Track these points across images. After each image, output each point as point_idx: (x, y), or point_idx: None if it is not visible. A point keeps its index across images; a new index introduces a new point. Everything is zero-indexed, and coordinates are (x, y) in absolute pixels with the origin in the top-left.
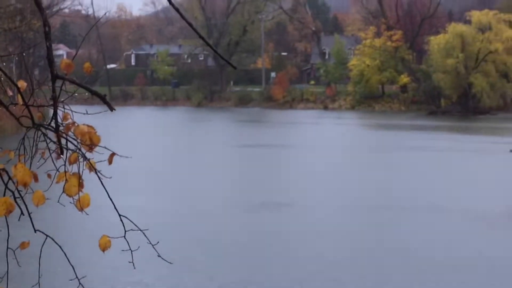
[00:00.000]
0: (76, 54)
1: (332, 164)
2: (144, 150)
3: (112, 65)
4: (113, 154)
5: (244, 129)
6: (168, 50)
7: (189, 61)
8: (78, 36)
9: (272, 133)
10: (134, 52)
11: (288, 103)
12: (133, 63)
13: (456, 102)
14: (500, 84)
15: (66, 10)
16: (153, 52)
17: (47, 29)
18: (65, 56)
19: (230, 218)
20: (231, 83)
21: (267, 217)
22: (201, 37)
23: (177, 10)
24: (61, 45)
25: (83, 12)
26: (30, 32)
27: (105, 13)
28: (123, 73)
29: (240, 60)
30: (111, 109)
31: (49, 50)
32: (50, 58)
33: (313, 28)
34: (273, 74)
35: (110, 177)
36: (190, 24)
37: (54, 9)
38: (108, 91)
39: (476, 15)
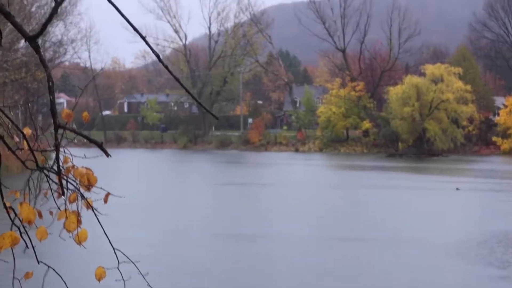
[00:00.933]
0: (76, 104)
1: (302, 200)
2: (136, 187)
3: (107, 112)
4: (108, 194)
5: (224, 169)
6: (157, 98)
7: (176, 108)
8: (77, 87)
9: (249, 172)
10: (126, 100)
11: (263, 146)
12: (125, 110)
13: (412, 145)
14: (451, 129)
15: (67, 63)
16: (143, 100)
17: (50, 84)
18: (65, 104)
19: (212, 249)
20: (213, 128)
21: (246, 248)
22: (186, 90)
23: (165, 67)
24: (62, 94)
25: (82, 64)
26: (34, 82)
27: (102, 69)
28: (117, 119)
29: (221, 108)
30: (107, 155)
31: (52, 103)
32: (53, 110)
33: (286, 80)
34: (250, 120)
35: (106, 214)
36: (176, 79)
37: (56, 62)
38: (104, 135)
39: (430, 68)
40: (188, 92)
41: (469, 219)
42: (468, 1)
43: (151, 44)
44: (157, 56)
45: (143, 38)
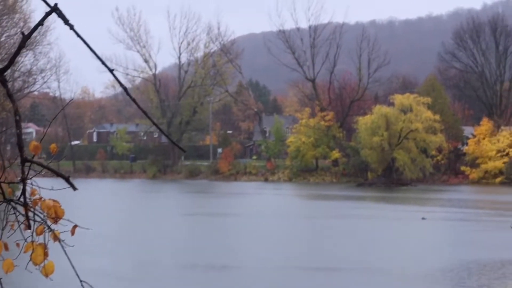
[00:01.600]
0: (44, 135)
1: (271, 230)
2: (104, 218)
3: (76, 142)
4: (75, 226)
5: (194, 199)
6: (126, 128)
7: (145, 138)
8: (46, 117)
9: (218, 202)
10: (96, 130)
11: (233, 176)
12: (95, 139)
13: (381, 175)
14: (420, 159)
15: (36, 93)
16: (113, 130)
17: (17, 117)
18: (34, 134)
19: (182, 280)
20: (182, 158)
21: (216, 278)
22: (153, 122)
23: (133, 100)
24: (31, 124)
25: (51, 94)
26: (3, 112)
27: (71, 99)
28: (86, 149)
29: (190, 137)
30: (74, 188)
31: (19, 137)
32: (20, 145)
33: (255, 109)
34: (219, 150)
35: (73, 246)
36: (144, 112)
37: (25, 92)
38: (73, 164)
39: (399, 98)
40: (156, 126)
41: (435, 248)
42: (437, 31)
43: (121, 74)
44: (124, 89)
45: (111, 71)
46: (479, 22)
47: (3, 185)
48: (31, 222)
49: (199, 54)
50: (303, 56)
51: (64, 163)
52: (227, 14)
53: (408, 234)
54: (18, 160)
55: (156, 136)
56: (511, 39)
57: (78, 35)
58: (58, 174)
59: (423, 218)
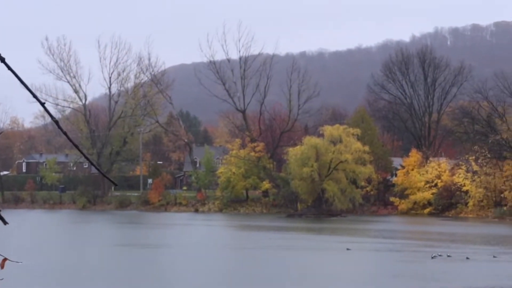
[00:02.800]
0: None
1: (200, 261)
2: (33, 251)
3: (5, 172)
4: (5, 259)
5: (123, 230)
6: (56, 158)
7: (75, 168)
8: None
9: (148, 233)
10: (25, 160)
11: (163, 206)
12: (24, 170)
13: (311, 205)
14: (350, 190)
15: None
16: (42, 161)
17: None
18: None
19: None
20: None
21: None
22: (83, 154)
23: (64, 133)
24: None
25: None
26: None
27: (1, 131)
28: (15, 179)
29: (120, 168)
30: (4, 223)
31: None
32: None
33: (186, 140)
34: (150, 181)
35: (2, 279)
36: (74, 144)
37: None
38: (1, 195)
39: (328, 130)
40: (86, 158)
41: (353, 280)
42: (367, 63)
43: (51, 104)
44: (56, 122)
45: (42, 104)
46: (408, 54)
47: None
48: None
49: (130, 84)
50: (233, 87)
51: None
52: (158, 44)
53: (331, 265)
54: None
55: (86, 166)
56: (439, 71)
57: (9, 68)
58: None
59: (347, 249)
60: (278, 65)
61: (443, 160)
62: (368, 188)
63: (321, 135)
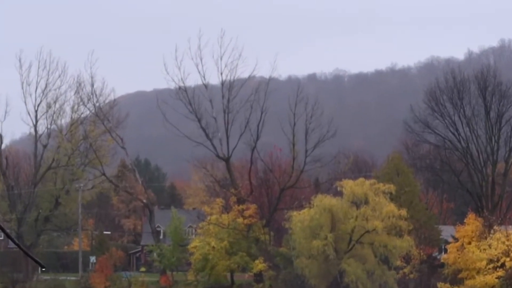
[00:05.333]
0: None
1: None
2: None
3: None
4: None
5: None
6: None
7: None
8: None
9: None
10: None
11: None
12: None
13: None
14: (380, 272)
15: None
16: None
17: None
18: None
19: None
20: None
21: None
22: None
23: None
24: None
25: None
26: None
27: None
28: None
29: (51, 240)
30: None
31: None
32: None
33: (144, 200)
34: (92, 259)
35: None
36: None
37: None
38: None
39: (349, 186)
40: (3, 231)
41: None
42: (403, 90)
43: None
44: None
45: None
46: (462, 78)
47: None
48: None
49: (65, 121)
50: (213, 125)
51: None
52: (105, 64)
53: None
54: None
55: (1, 238)
56: (507, 101)
57: None
58: None
59: None
60: (277, 93)
61: None
62: (406, 270)
63: (338, 194)
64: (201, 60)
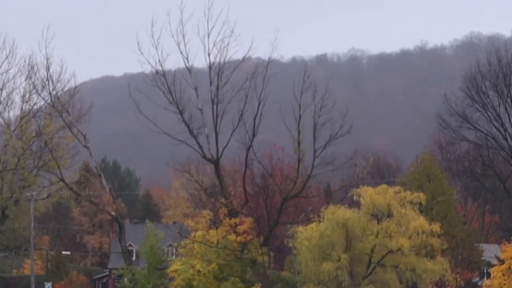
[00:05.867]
0: None
1: None
2: None
3: None
4: None
5: None
6: None
7: None
8: None
9: None
10: None
11: None
12: None
13: None
14: None
15: None
16: None
17: None
18: None
19: None
20: None
21: None
22: None
23: None
24: None
25: None
26: None
27: None
28: None
29: None
30: None
31: None
32: None
33: (113, 213)
34: (48, 285)
35: None
36: None
37: None
38: None
39: (368, 194)
40: None
41: None
42: (434, 74)
43: None
44: None
45: None
46: (510, 60)
47: None
48: None
49: (13, 113)
50: (198, 118)
51: None
52: (62, 42)
53: None
54: None
55: None
56: None
57: None
58: None
59: None
60: (279, 79)
61: None
62: None
63: (354, 204)
64: (183, 37)
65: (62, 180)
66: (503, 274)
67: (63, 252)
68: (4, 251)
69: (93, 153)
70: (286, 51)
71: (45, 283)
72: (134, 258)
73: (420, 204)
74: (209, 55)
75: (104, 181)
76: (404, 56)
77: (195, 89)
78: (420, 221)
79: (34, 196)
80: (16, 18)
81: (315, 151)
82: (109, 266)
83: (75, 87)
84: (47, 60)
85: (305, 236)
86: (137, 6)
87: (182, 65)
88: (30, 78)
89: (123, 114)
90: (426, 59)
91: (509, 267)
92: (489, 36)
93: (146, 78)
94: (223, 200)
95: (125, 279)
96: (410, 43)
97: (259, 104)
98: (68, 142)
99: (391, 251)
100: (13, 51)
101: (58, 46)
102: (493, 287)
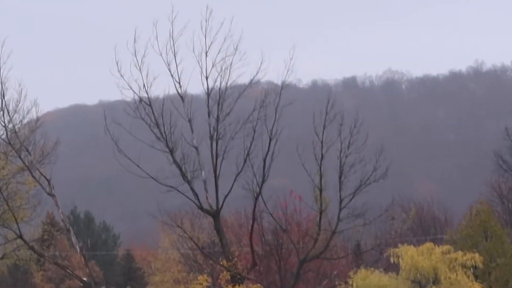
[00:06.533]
0: None
1: None
2: None
3: None
4: None
5: None
6: None
7: None
8: None
9: None
10: None
11: None
12: None
13: None
14: None
15: None
16: None
17: None
18: None
19: None
20: None
21: None
22: None
23: None
24: None
25: None
26: None
27: None
28: None
29: None
30: None
31: None
32: None
33: (85, 278)
34: None
35: None
36: None
37: None
38: None
39: (409, 255)
40: None
41: None
42: (492, 105)
43: None
44: None
45: None
46: None
47: None
48: None
49: None
50: (193, 159)
51: None
52: (24, 66)
53: None
54: None
55: None
56: None
57: None
58: None
59: None
60: (295, 107)
61: None
62: None
63: (392, 268)
64: (174, 55)
65: (20, 237)
66: None
67: None
68: None
69: (59, 202)
70: (304, 73)
71: None
72: None
73: (475, 267)
74: (207, 78)
75: (73, 238)
76: (455, 79)
77: (189, 121)
78: None
79: None
80: None
81: (341, 201)
82: None
83: (37, 118)
84: (1, 84)
85: None
86: (116, 16)
87: (173, 90)
88: None
89: (97, 154)
90: (482, 83)
91: None
92: None
93: (127, 107)
94: (224, 262)
95: None
96: (461, 64)
97: (270, 140)
98: (28, 189)
99: None
100: None
101: (16, 66)
102: None
